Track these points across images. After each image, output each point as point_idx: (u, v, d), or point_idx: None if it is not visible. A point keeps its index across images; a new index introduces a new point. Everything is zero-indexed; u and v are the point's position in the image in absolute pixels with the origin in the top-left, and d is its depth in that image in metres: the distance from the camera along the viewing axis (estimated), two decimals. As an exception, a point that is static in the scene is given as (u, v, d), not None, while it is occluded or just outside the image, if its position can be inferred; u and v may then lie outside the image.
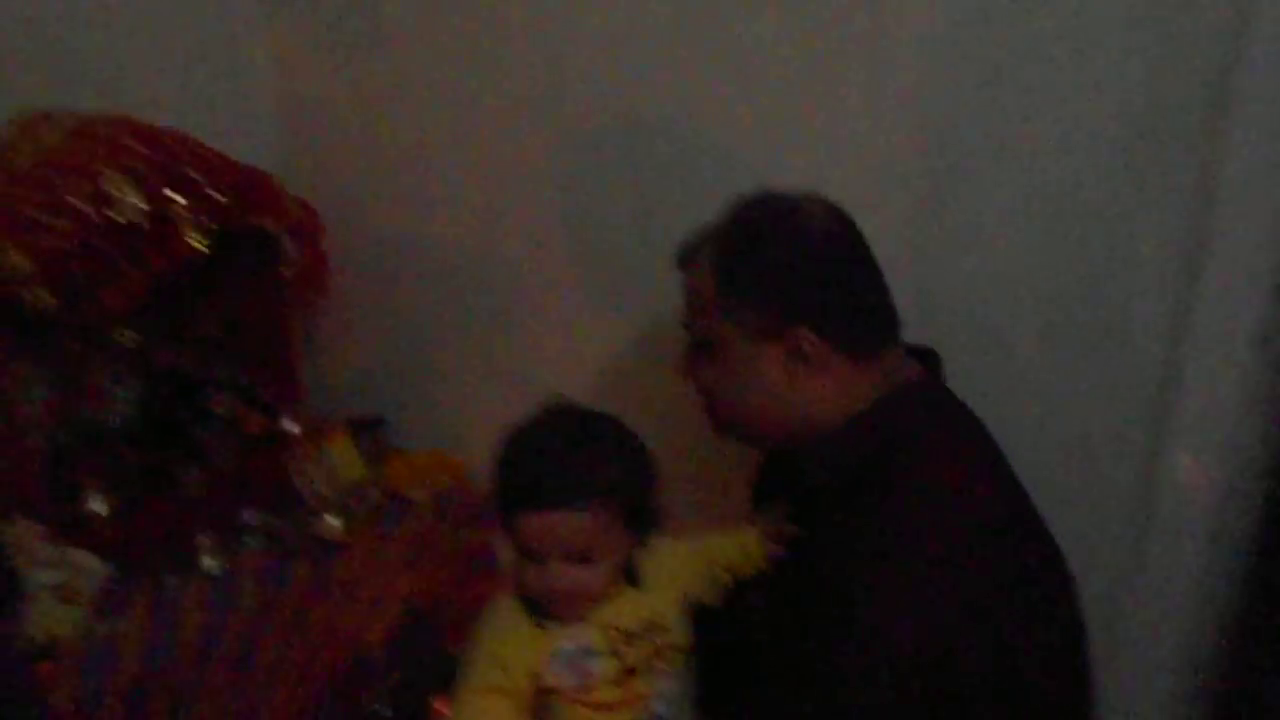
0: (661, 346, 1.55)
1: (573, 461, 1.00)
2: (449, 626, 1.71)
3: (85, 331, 1.45)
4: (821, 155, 1.28)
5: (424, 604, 1.68)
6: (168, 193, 1.33)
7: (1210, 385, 1.12)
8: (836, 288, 1.04)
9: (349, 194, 1.80)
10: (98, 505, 1.46)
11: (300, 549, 1.52)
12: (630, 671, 1.06)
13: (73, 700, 1.22)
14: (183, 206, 1.33)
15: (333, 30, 1.73)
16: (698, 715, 1.12)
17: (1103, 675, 1.05)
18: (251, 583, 1.45)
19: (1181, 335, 1.11)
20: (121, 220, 1.29)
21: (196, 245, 1.35)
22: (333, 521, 1.57)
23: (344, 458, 1.69)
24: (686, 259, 1.12)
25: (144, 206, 1.31)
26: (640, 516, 1.05)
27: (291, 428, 1.66)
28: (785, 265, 1.03)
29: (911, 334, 1.11)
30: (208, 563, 1.44)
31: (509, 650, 1.05)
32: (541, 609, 1.05)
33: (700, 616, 1.13)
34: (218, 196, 1.37)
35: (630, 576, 1.08)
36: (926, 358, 1.11)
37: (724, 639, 1.11)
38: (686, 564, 1.13)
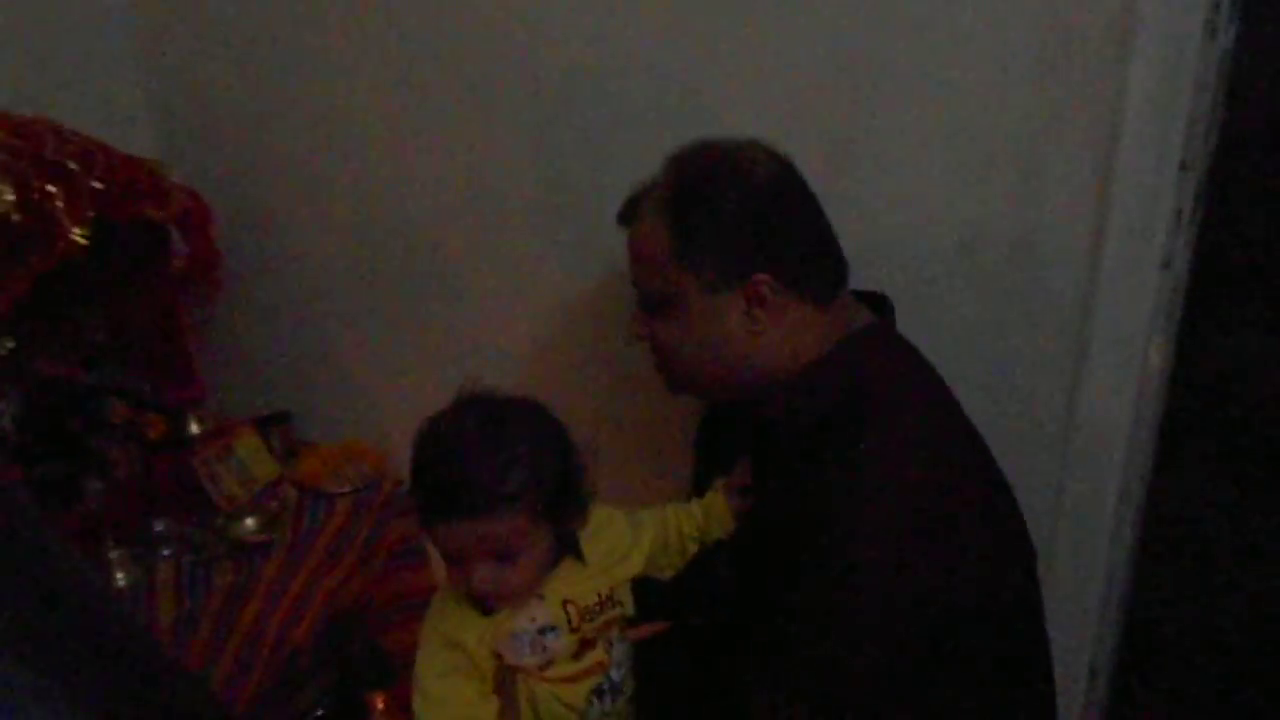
0: (572, 318, 1.53)
1: (484, 467, 0.98)
2: (378, 621, 1.67)
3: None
4: (737, 89, 1.27)
5: (351, 600, 1.63)
6: (40, 183, 1.23)
7: (1122, 309, 1.16)
8: (791, 232, 1.04)
9: (236, 180, 1.70)
10: (-12, 527, 1.36)
11: (218, 554, 1.45)
12: (588, 643, 1.07)
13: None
14: (58, 196, 1.23)
15: (204, 4, 1.63)
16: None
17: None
18: (169, 594, 1.38)
19: (1095, 262, 1.14)
20: (-10, 216, 1.19)
21: (76, 238, 1.25)
22: (249, 523, 1.51)
23: (254, 456, 1.62)
24: (630, 217, 1.09)
25: (11, 197, 1.21)
26: (563, 505, 1.03)
27: (195, 429, 1.58)
28: (740, 213, 1.02)
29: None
30: (119, 577, 1.37)
31: (466, 635, 1.04)
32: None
33: (667, 590, 1.14)
34: (96, 185, 1.27)
35: (576, 552, 1.08)
36: (878, 303, 1.12)
37: (694, 609, 1.11)
38: (642, 536, 1.13)
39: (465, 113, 1.47)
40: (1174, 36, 1.05)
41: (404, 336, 1.69)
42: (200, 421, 1.59)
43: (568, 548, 1.07)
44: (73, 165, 1.27)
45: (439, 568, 1.20)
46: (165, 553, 1.43)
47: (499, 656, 1.03)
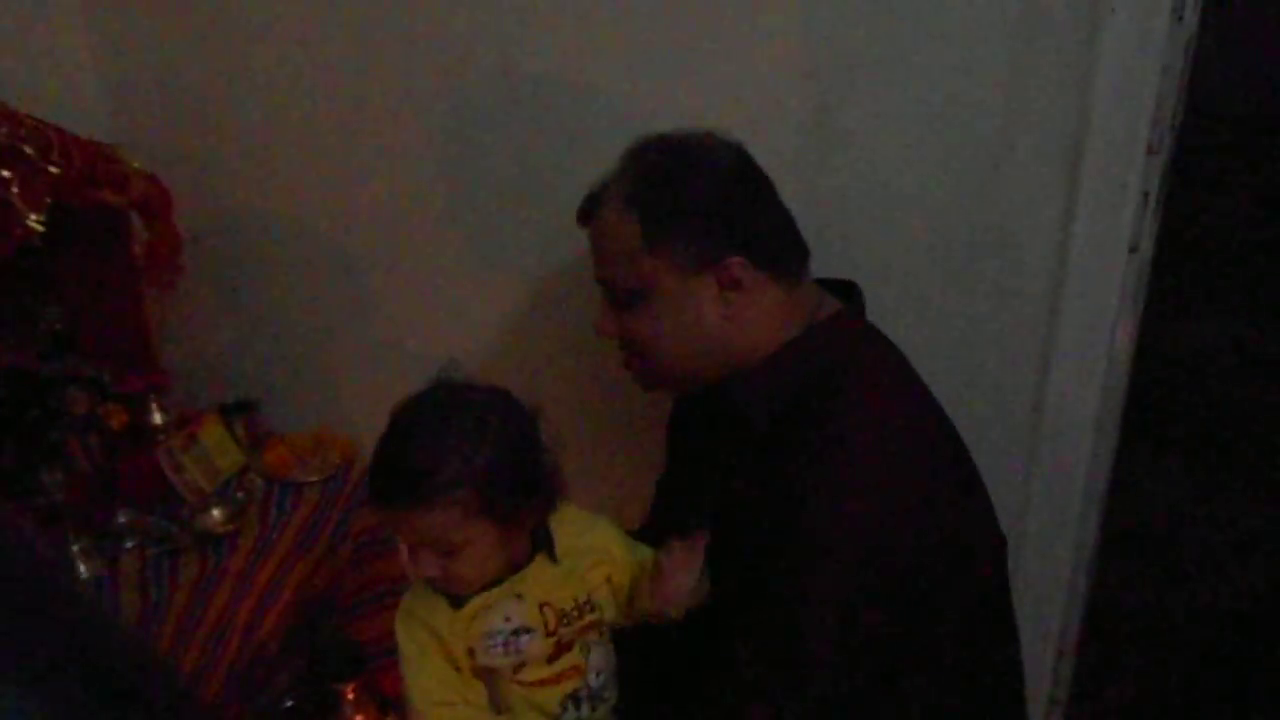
0: (539, 305, 1.52)
1: (420, 459, 0.97)
2: (347, 610, 1.66)
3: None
4: (705, 78, 1.26)
5: (320, 590, 1.61)
6: (-7, 169, 1.20)
7: (1091, 293, 1.17)
8: (758, 213, 1.05)
9: (197, 165, 1.67)
10: (-55, 522, 1.33)
11: (183, 546, 1.43)
12: (564, 647, 1.06)
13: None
14: (13, 182, 1.20)
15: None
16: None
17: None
18: (134, 585, 1.36)
19: (1064, 246, 1.15)
20: (-59, 203, 1.16)
21: (33, 225, 1.22)
22: (215, 514, 1.49)
23: (219, 446, 1.59)
24: (590, 214, 1.08)
25: (-37, 185, 1.18)
26: (510, 502, 1.00)
27: (158, 419, 1.55)
28: (708, 196, 1.03)
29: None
30: (82, 569, 1.34)
31: (437, 620, 1.04)
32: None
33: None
34: (52, 170, 1.24)
35: (549, 550, 1.06)
36: (847, 290, 1.12)
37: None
38: (619, 549, 1.10)
39: (431, 98, 1.45)
40: (1142, 20, 1.06)
41: (370, 324, 1.67)
42: (163, 411, 1.56)
43: (539, 545, 1.06)
44: (28, 150, 1.24)
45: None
46: (129, 545, 1.41)
47: (472, 654, 1.03)
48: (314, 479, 1.61)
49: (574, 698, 1.06)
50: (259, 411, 1.71)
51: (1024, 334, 1.21)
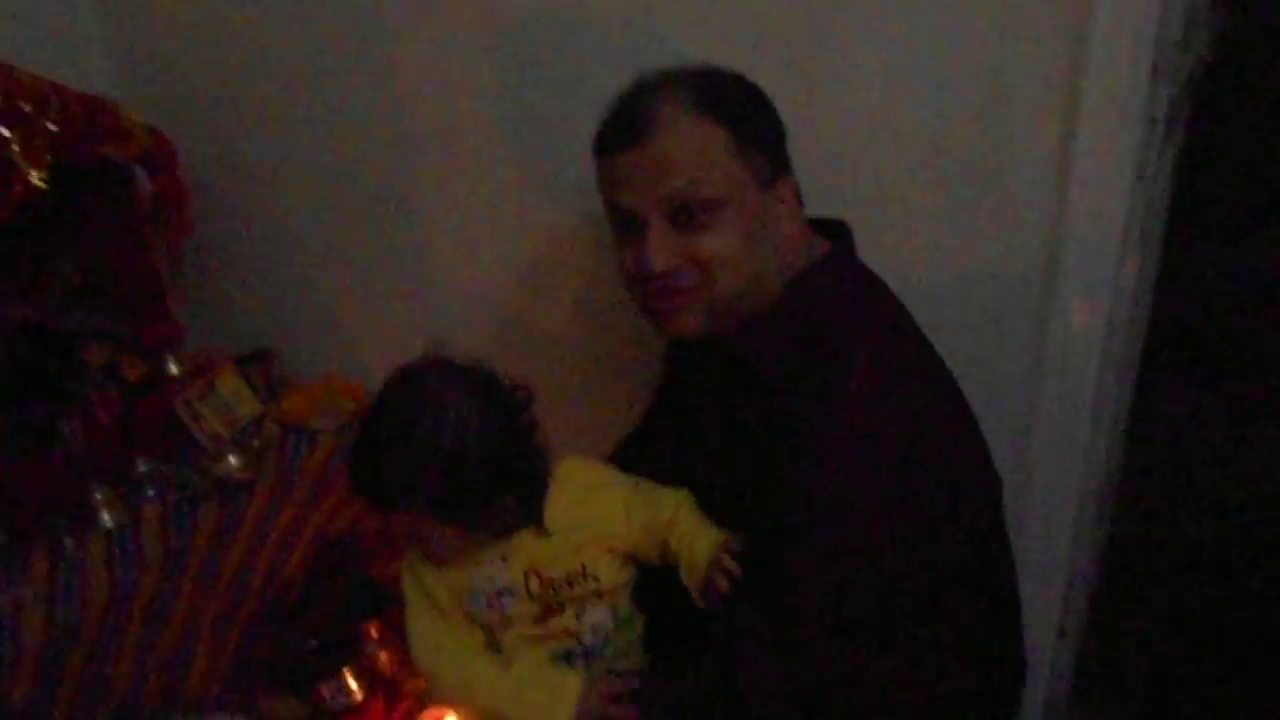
0: (541, 250, 1.52)
1: (382, 469, 1.00)
2: (367, 552, 1.69)
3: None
4: (697, 17, 1.24)
5: (341, 532, 1.65)
6: (-7, 127, 1.21)
7: (1094, 223, 1.14)
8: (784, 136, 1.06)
9: (202, 117, 1.67)
10: (-30, 473, 1.37)
11: (203, 493, 1.46)
12: (553, 609, 1.07)
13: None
14: (13, 140, 1.21)
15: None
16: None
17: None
18: (156, 533, 1.40)
19: (1065, 174, 1.12)
20: (-57, 162, 1.17)
21: (36, 182, 1.24)
22: (233, 461, 1.52)
23: (236, 395, 1.62)
24: (647, 129, 0.99)
25: (-37, 143, 1.19)
26: (465, 497, 1.01)
27: (174, 370, 1.58)
28: (770, 113, 1.04)
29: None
30: (105, 518, 1.38)
31: (431, 578, 1.09)
32: None
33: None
34: (50, 126, 1.25)
35: (538, 521, 1.06)
36: (835, 229, 1.11)
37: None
38: (618, 523, 1.09)
39: (431, 45, 1.44)
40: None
41: (379, 271, 1.67)
42: (179, 362, 1.59)
43: (528, 516, 1.06)
44: (27, 108, 1.25)
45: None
46: (150, 493, 1.44)
47: (461, 606, 1.07)
48: (329, 426, 1.63)
49: (565, 656, 1.08)
50: (274, 360, 1.73)
51: (1023, 266, 1.18)
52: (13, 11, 1.58)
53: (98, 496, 1.40)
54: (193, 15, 1.63)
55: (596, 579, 1.07)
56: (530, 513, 1.06)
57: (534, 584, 1.06)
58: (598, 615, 1.09)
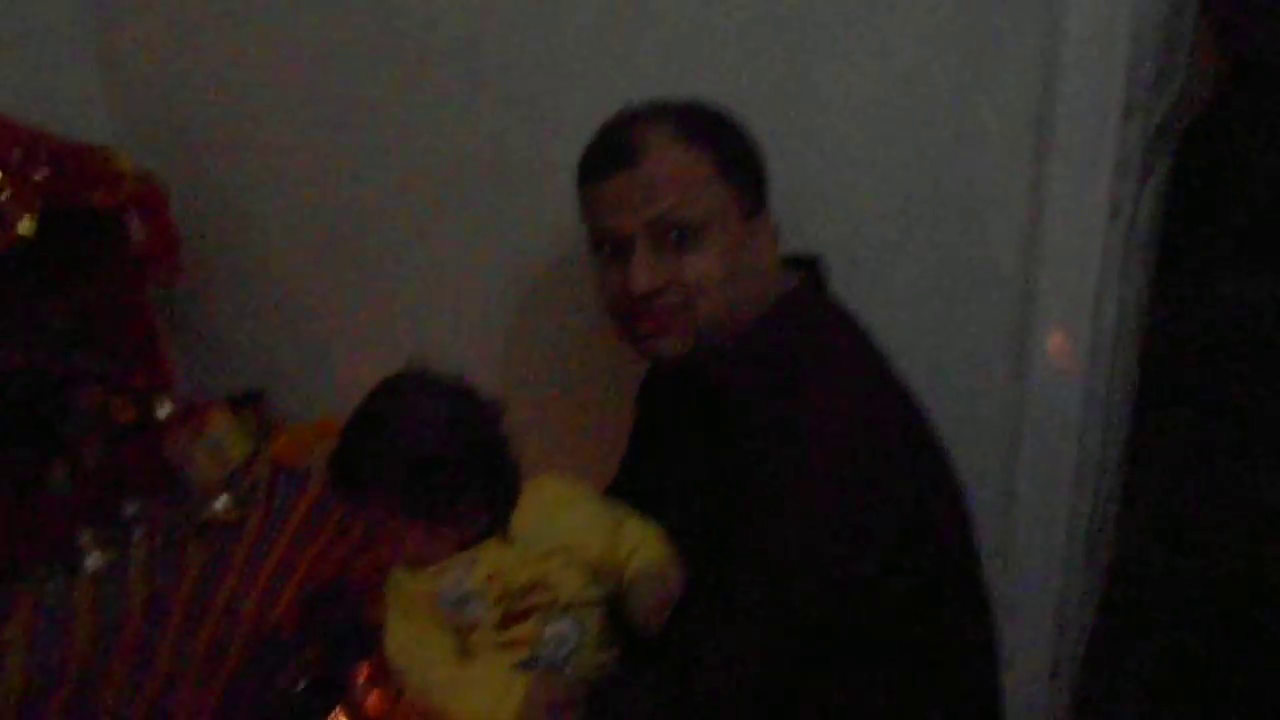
0: (525, 284, 1.53)
1: (357, 458, 1.08)
2: (358, 595, 1.69)
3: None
4: (670, 56, 1.26)
5: (331, 573, 1.64)
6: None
7: (1069, 263, 1.14)
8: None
9: (194, 161, 1.70)
10: (-42, 517, 1.38)
11: (191, 534, 1.46)
12: (515, 617, 1.08)
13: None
14: (3, 187, 1.23)
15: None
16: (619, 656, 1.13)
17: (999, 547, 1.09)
18: (142, 575, 1.40)
19: (1037, 214, 1.12)
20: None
21: (24, 231, 1.26)
22: (221, 502, 1.52)
23: (228, 437, 1.63)
24: (635, 154, 1.01)
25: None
26: (437, 501, 1.06)
27: (164, 412, 1.59)
28: (753, 146, 1.07)
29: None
30: (91, 560, 1.38)
31: (405, 581, 1.12)
32: None
33: None
34: (40, 174, 1.27)
35: (503, 530, 1.10)
36: (811, 265, 1.12)
37: None
38: (577, 545, 1.11)
39: (405, 94, 1.47)
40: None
41: (369, 312, 1.69)
42: (170, 405, 1.60)
43: (496, 524, 1.09)
44: (16, 156, 1.27)
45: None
46: (138, 534, 1.45)
47: (432, 609, 1.09)
48: (319, 467, 1.64)
49: (526, 664, 1.08)
50: (265, 402, 1.74)
51: (999, 308, 1.18)
52: (13, 57, 1.61)
53: (85, 538, 1.40)
54: (187, 63, 1.66)
55: (556, 591, 1.09)
56: (499, 521, 1.10)
57: (495, 590, 1.07)
58: (561, 627, 1.09)
